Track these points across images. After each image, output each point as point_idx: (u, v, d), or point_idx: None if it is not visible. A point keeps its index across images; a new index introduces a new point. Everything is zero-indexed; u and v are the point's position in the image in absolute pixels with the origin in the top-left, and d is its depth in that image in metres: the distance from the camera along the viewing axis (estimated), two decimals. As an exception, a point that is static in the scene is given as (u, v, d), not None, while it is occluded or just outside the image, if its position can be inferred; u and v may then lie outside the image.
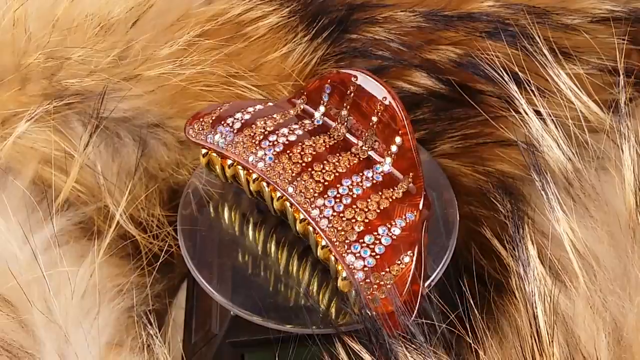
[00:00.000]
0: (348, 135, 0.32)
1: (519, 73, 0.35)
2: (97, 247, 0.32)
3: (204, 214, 0.34)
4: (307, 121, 0.32)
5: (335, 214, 0.29)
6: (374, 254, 0.28)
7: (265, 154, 0.31)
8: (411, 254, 0.28)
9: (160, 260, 0.35)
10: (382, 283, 0.28)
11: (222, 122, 0.33)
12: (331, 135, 0.32)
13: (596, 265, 0.29)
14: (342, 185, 0.30)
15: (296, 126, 0.32)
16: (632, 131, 0.31)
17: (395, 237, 0.28)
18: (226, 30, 0.37)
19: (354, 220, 0.29)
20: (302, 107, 0.33)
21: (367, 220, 0.29)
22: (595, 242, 0.30)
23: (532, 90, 0.34)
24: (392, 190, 0.30)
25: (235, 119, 0.33)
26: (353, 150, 0.31)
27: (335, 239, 0.29)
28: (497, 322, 0.28)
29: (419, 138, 0.38)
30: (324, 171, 0.30)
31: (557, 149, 0.33)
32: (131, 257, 0.35)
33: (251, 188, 0.32)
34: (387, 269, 0.28)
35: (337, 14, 0.38)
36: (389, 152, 0.31)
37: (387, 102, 0.30)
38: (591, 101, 0.34)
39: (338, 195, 0.30)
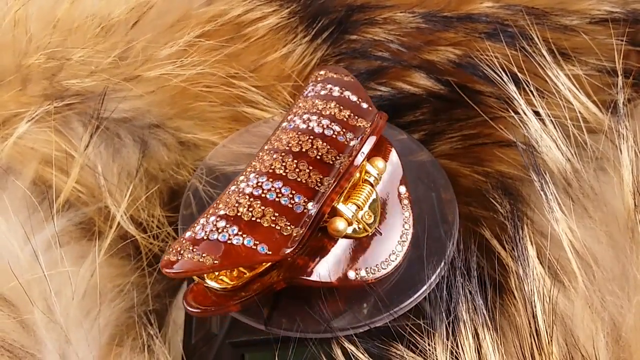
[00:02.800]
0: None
1: (518, 74, 0.35)
2: (98, 248, 0.33)
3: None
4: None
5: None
6: None
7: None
8: None
9: (160, 261, 0.35)
10: None
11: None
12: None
13: (595, 265, 0.29)
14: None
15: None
16: (631, 132, 0.31)
17: None
18: (226, 31, 0.37)
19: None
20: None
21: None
22: (594, 242, 0.30)
23: (531, 91, 0.34)
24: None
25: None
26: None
27: None
28: (496, 321, 0.29)
29: (418, 139, 0.38)
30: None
31: (556, 150, 0.33)
32: (131, 257, 0.35)
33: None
34: None
35: (337, 15, 0.38)
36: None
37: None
38: (590, 102, 0.34)
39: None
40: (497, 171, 0.38)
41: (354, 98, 0.32)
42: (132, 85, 0.35)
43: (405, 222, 0.30)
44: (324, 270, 0.28)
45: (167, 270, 0.27)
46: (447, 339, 0.28)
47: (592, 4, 0.38)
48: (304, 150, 0.29)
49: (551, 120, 0.33)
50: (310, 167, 0.29)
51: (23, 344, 0.29)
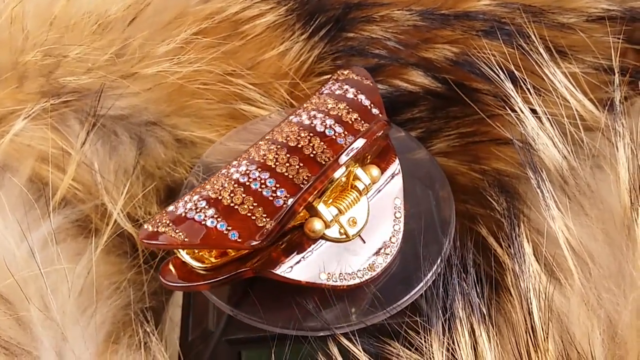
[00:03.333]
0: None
1: (515, 71, 0.35)
2: (94, 245, 0.33)
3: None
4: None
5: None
6: None
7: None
8: None
9: (157, 258, 0.35)
10: None
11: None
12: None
13: (591, 262, 0.29)
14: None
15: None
16: (627, 129, 0.31)
17: None
18: (223, 29, 0.37)
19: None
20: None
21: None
22: (590, 239, 0.30)
23: (527, 89, 0.34)
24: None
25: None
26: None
27: None
28: (492, 318, 0.29)
29: (415, 136, 0.38)
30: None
31: (553, 147, 0.33)
32: (128, 255, 0.35)
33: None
34: None
35: (334, 12, 0.38)
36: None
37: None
38: (586, 99, 0.34)
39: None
40: (494, 169, 0.38)
41: (366, 102, 0.31)
42: (129, 83, 0.35)
43: (393, 236, 0.30)
44: (296, 268, 0.29)
45: (142, 239, 0.28)
46: (444, 336, 0.28)
47: (589, 2, 0.38)
48: (299, 146, 0.29)
49: (548, 118, 0.33)
50: (301, 164, 0.29)
51: (19, 341, 0.29)
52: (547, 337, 0.27)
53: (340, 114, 0.31)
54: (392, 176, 0.31)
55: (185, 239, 0.27)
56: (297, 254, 0.29)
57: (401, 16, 0.38)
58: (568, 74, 0.35)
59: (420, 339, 0.28)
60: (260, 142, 0.30)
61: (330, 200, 0.29)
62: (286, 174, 0.29)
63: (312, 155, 0.29)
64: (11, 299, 0.29)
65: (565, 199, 0.31)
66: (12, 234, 0.31)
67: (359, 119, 0.31)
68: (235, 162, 0.30)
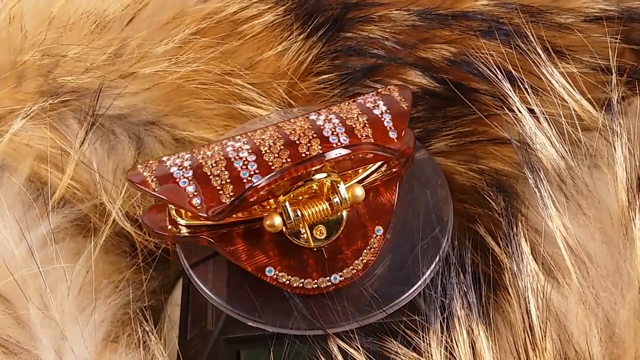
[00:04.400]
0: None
1: (513, 71, 0.35)
2: (93, 244, 0.33)
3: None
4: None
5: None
6: None
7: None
8: None
9: (155, 257, 0.35)
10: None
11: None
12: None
13: (588, 261, 0.29)
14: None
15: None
16: (625, 129, 0.31)
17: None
18: (222, 29, 0.37)
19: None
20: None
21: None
22: (588, 239, 0.30)
23: (525, 89, 0.34)
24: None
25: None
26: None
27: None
28: (490, 317, 0.29)
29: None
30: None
31: (550, 147, 0.33)
32: (127, 254, 0.35)
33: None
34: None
35: (332, 12, 0.38)
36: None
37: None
38: (584, 99, 0.34)
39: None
40: (491, 168, 0.38)
41: (388, 123, 0.31)
42: (127, 82, 0.35)
43: (358, 264, 0.30)
44: (246, 251, 0.29)
45: (128, 174, 0.30)
46: (442, 335, 0.28)
47: (586, 2, 0.38)
48: (297, 142, 0.29)
49: (545, 117, 0.33)
50: (289, 160, 0.29)
51: (18, 340, 0.29)
52: (544, 336, 0.27)
53: (354, 126, 0.30)
54: (382, 204, 0.31)
55: (156, 189, 0.29)
56: (256, 242, 0.30)
57: (399, 16, 0.38)
58: (566, 74, 0.35)
59: (419, 338, 0.28)
60: (271, 127, 0.30)
61: (300, 203, 0.29)
62: (270, 163, 0.29)
63: (303, 155, 0.29)
64: (10, 298, 0.30)
65: (563, 199, 0.31)
66: (11, 233, 0.31)
67: (370, 137, 0.30)
68: (239, 137, 0.30)
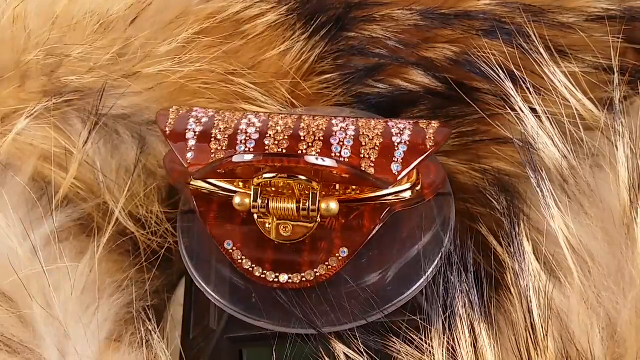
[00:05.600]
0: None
1: (515, 71, 0.35)
2: (97, 244, 0.33)
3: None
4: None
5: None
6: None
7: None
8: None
9: (158, 257, 0.35)
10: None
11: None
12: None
13: (591, 261, 0.29)
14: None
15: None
16: (627, 129, 0.31)
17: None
18: (224, 28, 0.37)
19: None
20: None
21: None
22: (590, 238, 0.30)
23: (527, 88, 0.34)
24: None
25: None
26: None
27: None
28: (492, 316, 0.29)
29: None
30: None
31: (553, 147, 0.33)
32: (130, 253, 0.35)
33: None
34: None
35: (335, 12, 0.38)
36: None
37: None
38: (586, 99, 0.34)
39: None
40: (494, 168, 0.38)
41: (398, 155, 0.29)
42: (130, 82, 0.35)
43: (310, 275, 0.30)
44: (215, 218, 0.31)
45: (161, 110, 0.32)
46: (444, 334, 0.28)
47: (589, 1, 0.38)
48: (302, 138, 0.29)
49: (548, 117, 0.33)
50: (284, 151, 0.29)
51: (22, 338, 0.29)
52: (546, 336, 0.27)
53: (363, 144, 0.29)
54: (356, 230, 0.30)
55: (166, 131, 0.30)
56: (227, 213, 0.31)
57: (402, 16, 0.38)
58: (568, 74, 0.35)
59: (421, 337, 0.28)
60: (296, 116, 0.30)
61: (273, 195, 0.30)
62: (266, 147, 0.29)
63: (298, 152, 0.29)
64: (14, 297, 0.30)
65: (565, 198, 0.31)
66: (15, 233, 0.31)
67: (372, 160, 0.29)
68: (262, 114, 0.31)
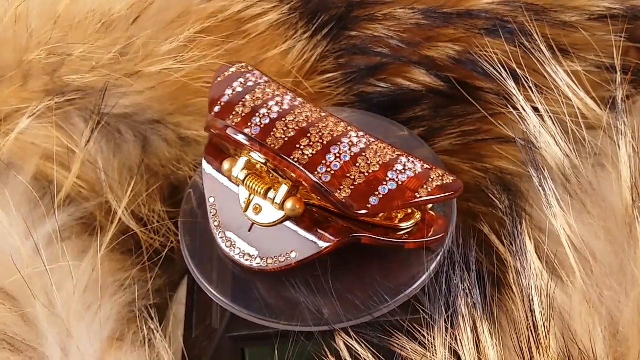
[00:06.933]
0: None
1: (517, 70, 0.35)
2: (99, 242, 0.33)
3: (205, 211, 0.34)
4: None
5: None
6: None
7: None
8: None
9: (161, 256, 0.35)
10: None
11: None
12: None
13: (593, 260, 0.29)
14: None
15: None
16: (629, 128, 0.31)
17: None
18: (226, 27, 0.37)
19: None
20: None
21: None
22: (592, 237, 0.30)
23: (530, 87, 0.34)
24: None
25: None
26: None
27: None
28: (494, 315, 0.29)
29: (418, 135, 0.38)
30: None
31: (555, 146, 0.33)
32: (133, 252, 0.35)
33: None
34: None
35: (337, 11, 0.38)
36: None
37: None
38: (589, 98, 0.34)
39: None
40: (496, 167, 0.38)
41: (382, 190, 0.28)
42: (132, 81, 0.35)
43: (252, 261, 0.30)
44: (217, 162, 0.32)
45: (221, 66, 0.33)
46: (446, 333, 0.28)
47: (591, 0, 0.38)
48: (307, 135, 0.29)
49: (550, 116, 0.33)
50: (284, 139, 0.29)
51: (24, 337, 0.29)
52: (548, 334, 0.27)
53: (358, 164, 0.29)
54: (308, 242, 0.30)
55: (214, 82, 0.33)
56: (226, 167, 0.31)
57: (404, 15, 0.38)
58: (570, 73, 0.35)
59: (423, 335, 0.28)
60: (323, 114, 0.31)
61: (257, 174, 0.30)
62: (272, 131, 0.30)
63: (296, 146, 0.29)
64: (17, 296, 0.30)
65: (567, 197, 0.31)
66: (18, 231, 0.31)
67: (355, 183, 0.28)
68: (299, 102, 0.31)
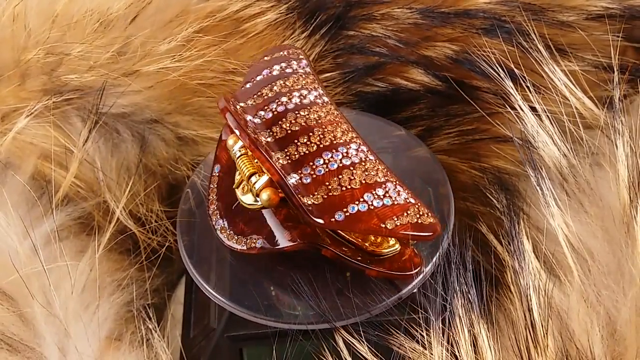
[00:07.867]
0: None
1: (515, 70, 0.35)
2: (97, 242, 0.33)
3: (203, 211, 0.34)
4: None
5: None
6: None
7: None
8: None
9: (159, 255, 0.35)
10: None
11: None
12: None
13: (590, 259, 0.29)
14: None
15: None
16: (626, 127, 0.31)
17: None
18: (224, 27, 0.37)
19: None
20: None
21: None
22: (590, 236, 0.30)
23: (527, 87, 0.34)
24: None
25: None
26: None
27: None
28: (492, 315, 0.29)
29: (415, 134, 0.38)
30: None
31: (552, 145, 0.33)
32: (130, 252, 0.35)
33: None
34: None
35: (335, 10, 0.38)
36: None
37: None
38: (586, 97, 0.34)
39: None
40: (493, 166, 0.38)
41: (352, 210, 0.28)
42: (130, 81, 0.35)
43: (237, 244, 0.30)
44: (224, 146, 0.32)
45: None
46: (443, 333, 0.28)
47: (588, 0, 0.38)
48: (308, 133, 0.30)
49: (547, 115, 0.33)
50: (285, 131, 0.30)
51: (22, 337, 0.29)
52: (546, 334, 0.27)
53: (341, 177, 0.28)
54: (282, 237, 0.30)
55: (251, 65, 0.34)
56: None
57: (401, 14, 0.38)
58: (568, 72, 0.35)
59: (421, 335, 0.28)
60: (338, 117, 0.31)
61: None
62: (280, 121, 0.30)
63: (295, 142, 0.29)
64: (14, 296, 0.30)
65: (565, 197, 0.31)
66: (15, 231, 0.31)
67: (326, 194, 0.28)
68: (324, 99, 0.31)
